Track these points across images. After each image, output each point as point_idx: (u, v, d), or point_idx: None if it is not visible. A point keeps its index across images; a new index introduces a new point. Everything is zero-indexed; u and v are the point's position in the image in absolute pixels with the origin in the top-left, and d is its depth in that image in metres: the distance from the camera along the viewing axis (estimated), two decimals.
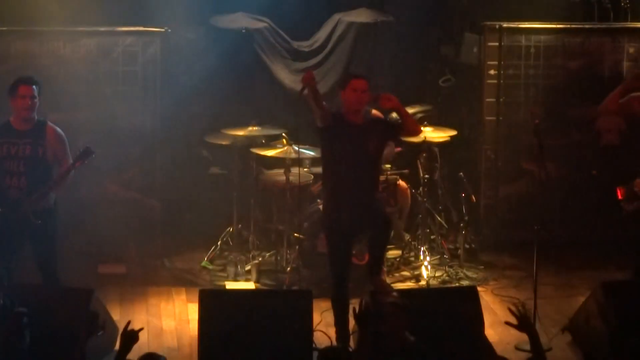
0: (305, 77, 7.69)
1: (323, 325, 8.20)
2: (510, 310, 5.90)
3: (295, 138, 9.13)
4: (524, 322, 5.79)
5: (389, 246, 9.21)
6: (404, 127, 7.92)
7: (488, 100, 10.53)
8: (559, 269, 9.79)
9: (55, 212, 8.04)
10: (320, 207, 8.91)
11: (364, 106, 7.86)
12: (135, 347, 7.89)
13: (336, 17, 11.13)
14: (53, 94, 9.08)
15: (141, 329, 5.92)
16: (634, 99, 8.48)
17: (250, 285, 9.29)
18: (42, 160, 7.92)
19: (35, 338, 6.37)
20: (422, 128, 9.16)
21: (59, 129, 8.05)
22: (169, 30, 9.97)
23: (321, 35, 11.13)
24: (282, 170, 9.66)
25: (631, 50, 10.47)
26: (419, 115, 10.51)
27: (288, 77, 10.85)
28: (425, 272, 9.62)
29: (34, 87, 7.88)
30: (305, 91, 7.73)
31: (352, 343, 7.70)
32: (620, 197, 8.44)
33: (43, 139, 7.93)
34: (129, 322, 6.00)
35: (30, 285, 7.80)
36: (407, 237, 9.99)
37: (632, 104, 8.47)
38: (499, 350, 7.29)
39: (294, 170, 9.20)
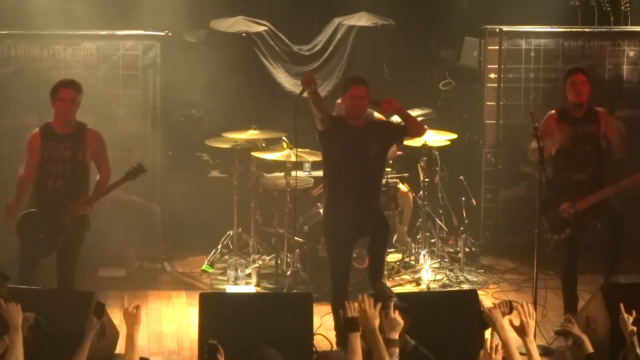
0: (305, 78, 7.68)
1: (323, 329, 8.19)
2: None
3: (295, 141, 9.13)
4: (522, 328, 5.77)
5: (389, 250, 9.20)
6: (408, 129, 7.91)
7: (488, 103, 10.53)
8: (559, 272, 9.77)
9: (89, 218, 8.08)
10: (321, 210, 8.90)
11: (363, 112, 7.84)
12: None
13: (336, 20, 11.15)
14: None
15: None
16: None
17: (250, 289, 9.29)
18: (81, 164, 7.97)
19: (35, 341, 6.35)
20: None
21: (98, 133, 8.10)
22: (169, 34, 9.98)
23: (321, 39, 11.14)
24: (282, 174, 9.65)
25: (631, 53, 10.47)
26: (420, 118, 10.49)
27: (288, 80, 10.87)
28: (425, 276, 9.62)
29: (73, 90, 7.91)
30: (305, 93, 7.73)
31: None
32: (547, 226, 8.37)
33: (83, 143, 7.98)
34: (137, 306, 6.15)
35: (30, 288, 7.77)
36: (408, 239, 10.00)
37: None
38: None
39: (294, 173, 9.20)
